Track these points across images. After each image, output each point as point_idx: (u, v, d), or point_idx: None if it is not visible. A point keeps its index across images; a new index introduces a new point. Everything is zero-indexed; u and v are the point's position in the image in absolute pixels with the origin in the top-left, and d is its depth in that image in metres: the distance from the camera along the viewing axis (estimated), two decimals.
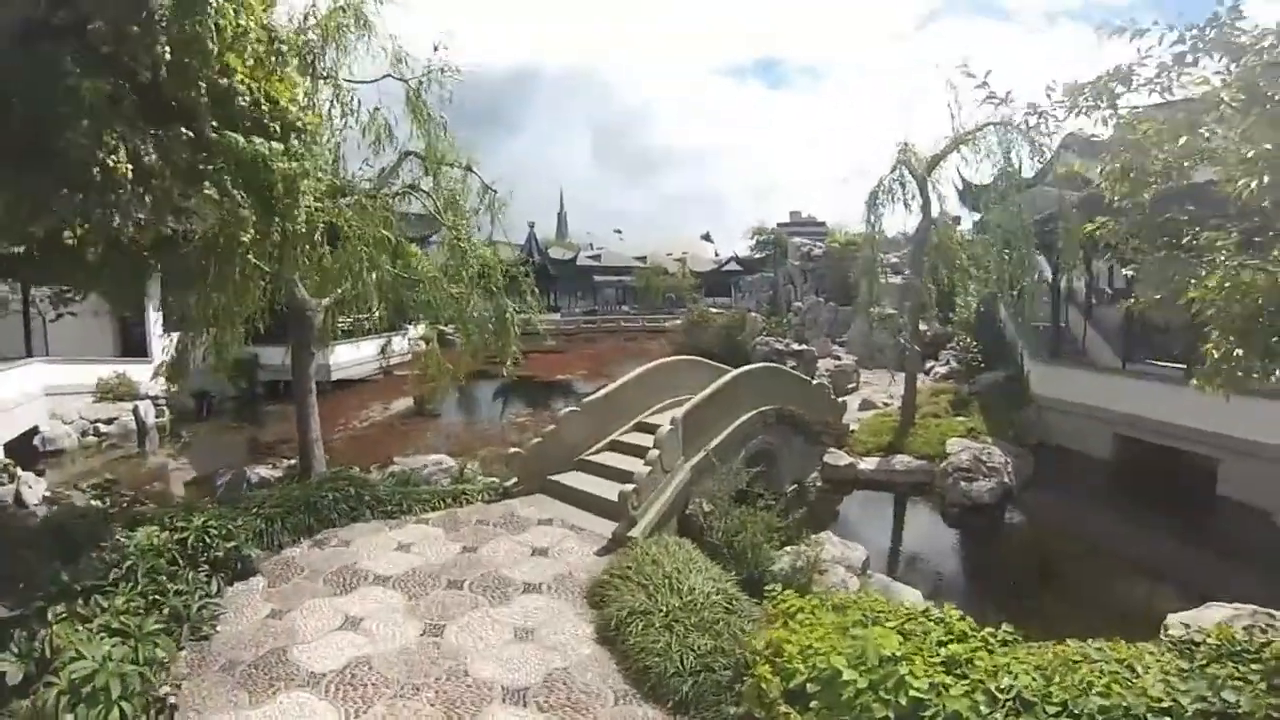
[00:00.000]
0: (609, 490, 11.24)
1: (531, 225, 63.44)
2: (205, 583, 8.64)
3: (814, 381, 19.10)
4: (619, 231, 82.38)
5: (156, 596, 7.82)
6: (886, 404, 22.39)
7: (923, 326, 31.73)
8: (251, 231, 7.76)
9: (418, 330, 24.05)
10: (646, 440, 12.77)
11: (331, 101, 12.81)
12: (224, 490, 13.81)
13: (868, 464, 17.73)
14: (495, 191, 14.17)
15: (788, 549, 10.42)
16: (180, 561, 8.65)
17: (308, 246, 10.58)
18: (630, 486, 10.41)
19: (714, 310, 39.33)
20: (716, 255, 75.19)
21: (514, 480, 12.45)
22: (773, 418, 15.10)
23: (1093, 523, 15.87)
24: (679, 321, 39.95)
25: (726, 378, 14.00)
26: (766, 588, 8.58)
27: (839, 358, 29.98)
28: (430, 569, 9.54)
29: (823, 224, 56.47)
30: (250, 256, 9.82)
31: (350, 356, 29.92)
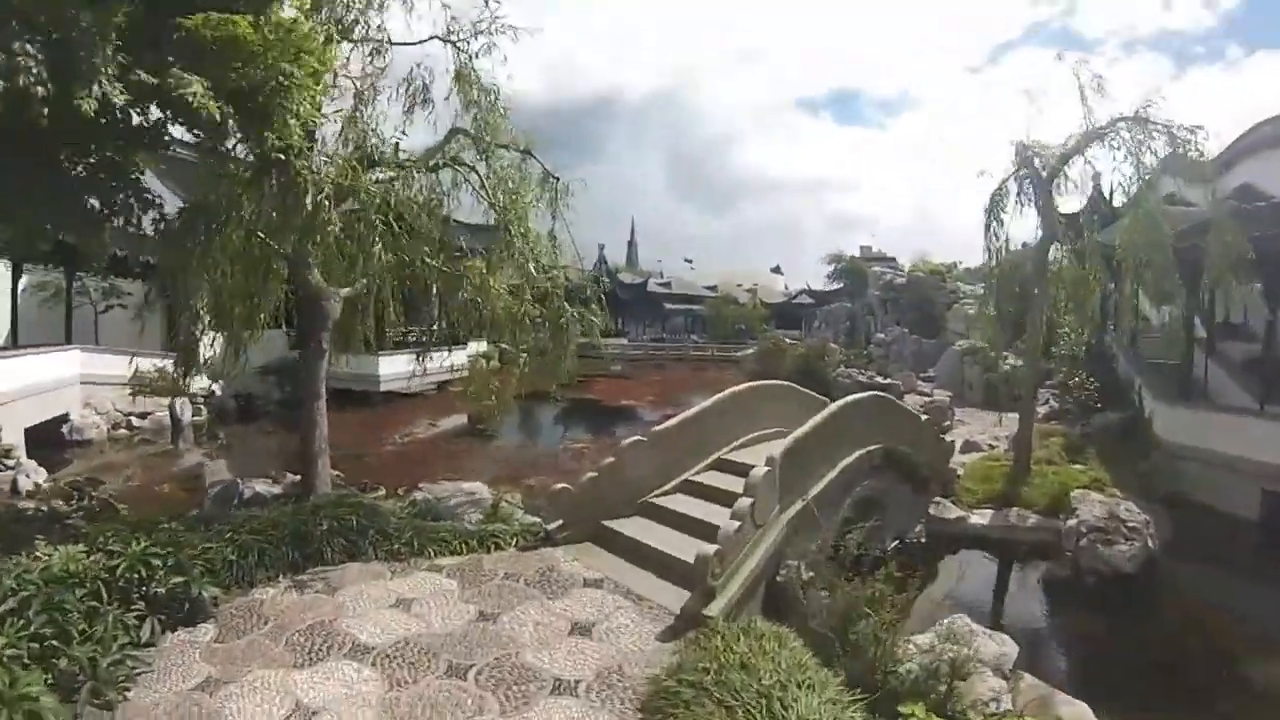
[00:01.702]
0: (679, 546, 8.45)
1: (601, 248, 61.41)
2: (133, 628, 6.39)
3: (923, 417, 15.74)
4: (689, 260, 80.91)
5: (54, 643, 5.63)
6: (992, 446, 19.00)
7: (1015, 361, 28.48)
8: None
9: (478, 346, 21.51)
10: (728, 483, 10.04)
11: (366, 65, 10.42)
12: (212, 504, 11.09)
13: (980, 517, 14.44)
14: (558, 179, 11.41)
15: (917, 639, 7.31)
16: (106, 597, 6.48)
17: (320, 220, 7.94)
18: (712, 548, 7.42)
19: (789, 340, 36.05)
20: (786, 288, 72.93)
21: (559, 523, 9.56)
22: (880, 459, 12.05)
23: (1262, 603, 12.30)
24: (750, 351, 36.74)
25: (832, 408, 11.01)
26: (902, 711, 5.93)
27: (926, 393, 26.55)
28: (429, 641, 6.75)
29: (893, 259, 53.06)
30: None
31: (402, 368, 27.37)
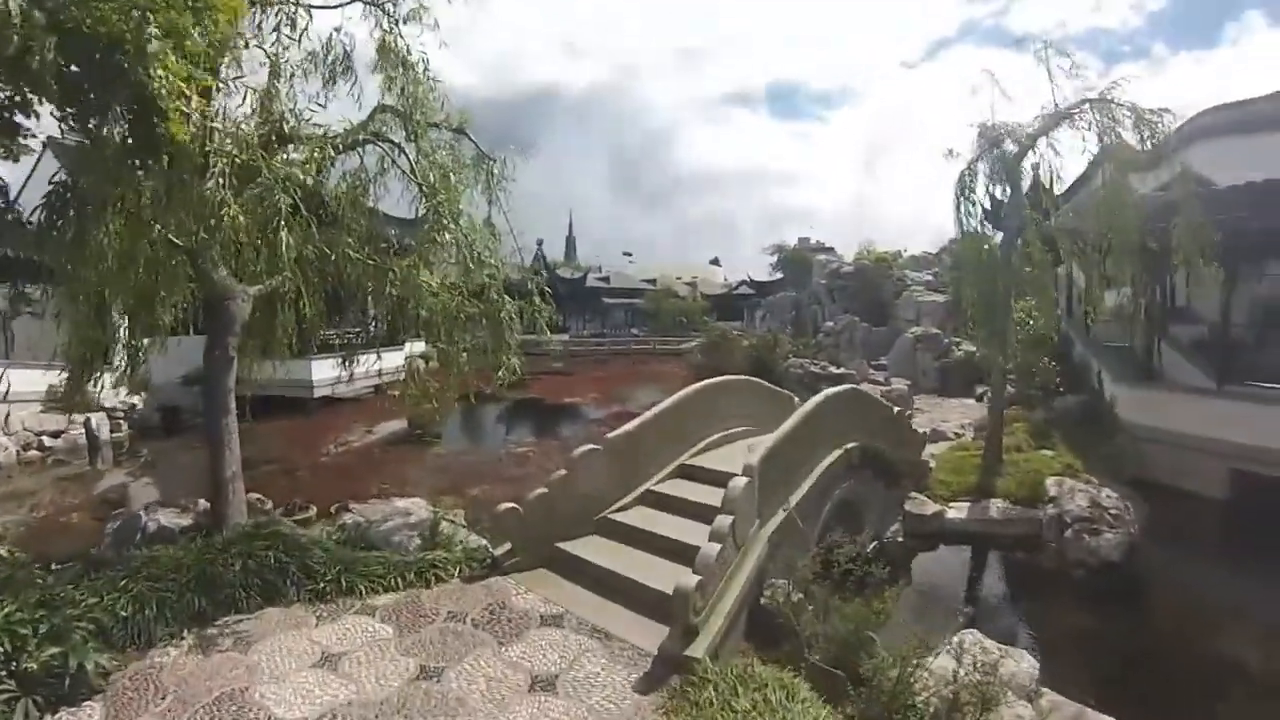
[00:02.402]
0: (648, 570, 7.41)
1: (540, 243, 60.20)
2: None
3: (895, 409, 14.79)
4: (628, 254, 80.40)
5: None
6: (959, 434, 18.16)
7: (969, 347, 27.94)
8: None
9: (416, 346, 20.05)
10: (695, 492, 9.08)
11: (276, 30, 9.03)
12: (110, 543, 9.55)
13: (957, 511, 13.49)
14: (494, 160, 10.14)
15: (933, 665, 6.32)
16: None
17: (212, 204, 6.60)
18: (692, 580, 6.27)
19: (736, 331, 35.05)
20: (726, 280, 72.54)
21: (507, 548, 8.30)
22: (857, 458, 11.02)
23: (1250, 590, 11.48)
24: (695, 343, 35.74)
25: (810, 406, 9.89)
26: None
27: (880, 381, 25.76)
28: (362, 713, 5.48)
29: (831, 249, 52.67)
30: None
31: (337, 372, 25.71)
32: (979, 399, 24.18)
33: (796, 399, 14.29)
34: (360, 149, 9.69)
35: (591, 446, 9.17)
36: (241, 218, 6.88)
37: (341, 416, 24.72)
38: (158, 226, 7.75)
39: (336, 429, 22.78)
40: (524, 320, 9.80)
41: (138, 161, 6.39)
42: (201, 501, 10.22)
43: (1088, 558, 11.91)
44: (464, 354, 9.53)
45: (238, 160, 7.05)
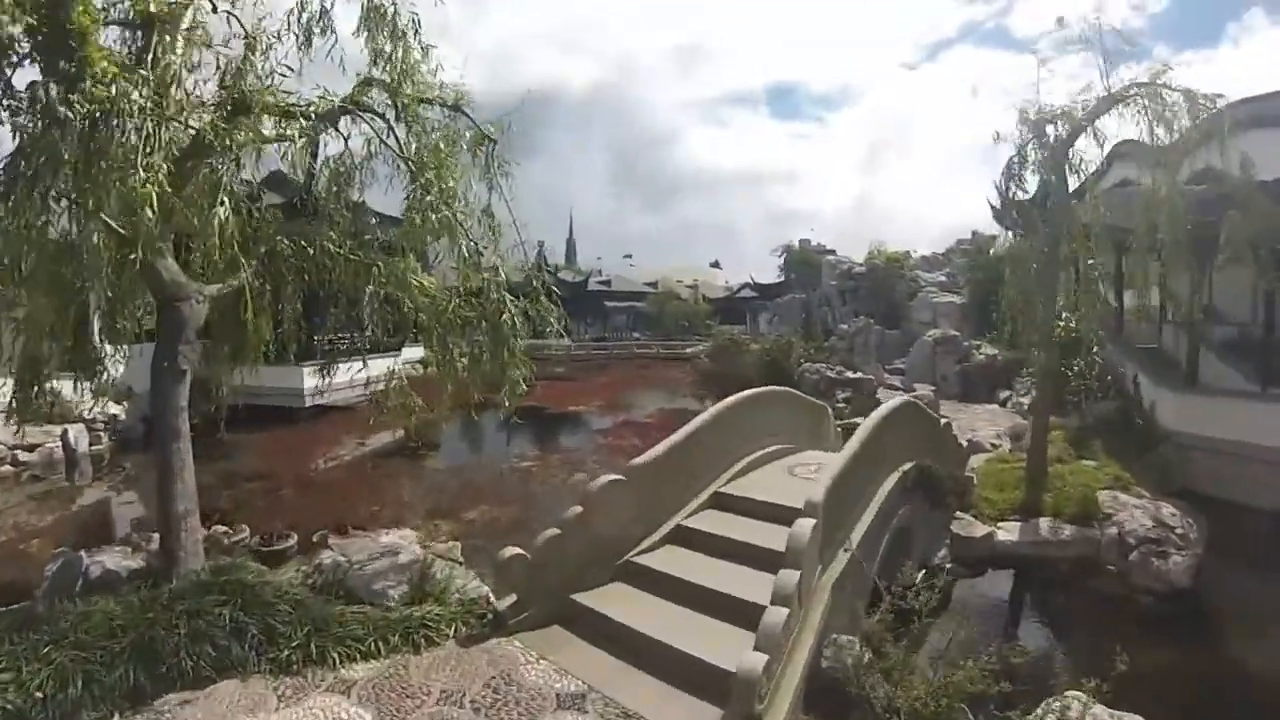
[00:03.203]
0: (686, 630, 6.07)
1: (541, 244, 57.76)
2: None
3: (942, 421, 13.37)
4: (629, 257, 79.08)
5: None
6: (995, 444, 16.71)
7: (989, 349, 26.53)
8: None
9: (415, 351, 18.71)
10: (731, 527, 7.86)
11: None
12: (46, 589, 8.01)
13: (1006, 533, 12.06)
14: (495, 142, 8.70)
15: None
16: None
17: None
18: (757, 662, 4.87)
19: (743, 334, 33.55)
20: (727, 283, 71.21)
21: (512, 600, 6.87)
22: (913, 479, 9.70)
23: None
24: (702, 347, 34.49)
25: (872, 424, 8.56)
26: None
27: (897, 386, 24.33)
28: None
29: (833, 251, 51.20)
30: None
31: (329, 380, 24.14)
32: (1003, 404, 22.99)
33: (829, 409, 12.97)
34: (343, 130, 8.31)
35: (611, 477, 7.77)
36: (170, 193, 5.46)
37: (333, 426, 23.15)
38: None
39: (327, 440, 21.26)
40: (530, 323, 8.44)
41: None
42: (156, 537, 8.74)
43: (1155, 583, 10.67)
44: (461, 362, 8.17)
45: (176, 123, 5.63)
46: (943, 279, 34.86)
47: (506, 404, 8.27)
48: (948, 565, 11.28)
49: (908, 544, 9.61)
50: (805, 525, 5.98)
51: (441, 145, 7.97)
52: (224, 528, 10.06)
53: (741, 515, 8.21)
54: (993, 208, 46.64)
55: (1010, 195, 13.80)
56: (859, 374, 23.86)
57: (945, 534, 11.55)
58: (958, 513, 12.09)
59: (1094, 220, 13.20)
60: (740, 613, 6.06)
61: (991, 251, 35.52)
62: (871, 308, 33.56)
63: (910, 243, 37.85)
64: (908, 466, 9.36)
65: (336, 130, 8.30)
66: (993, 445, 16.47)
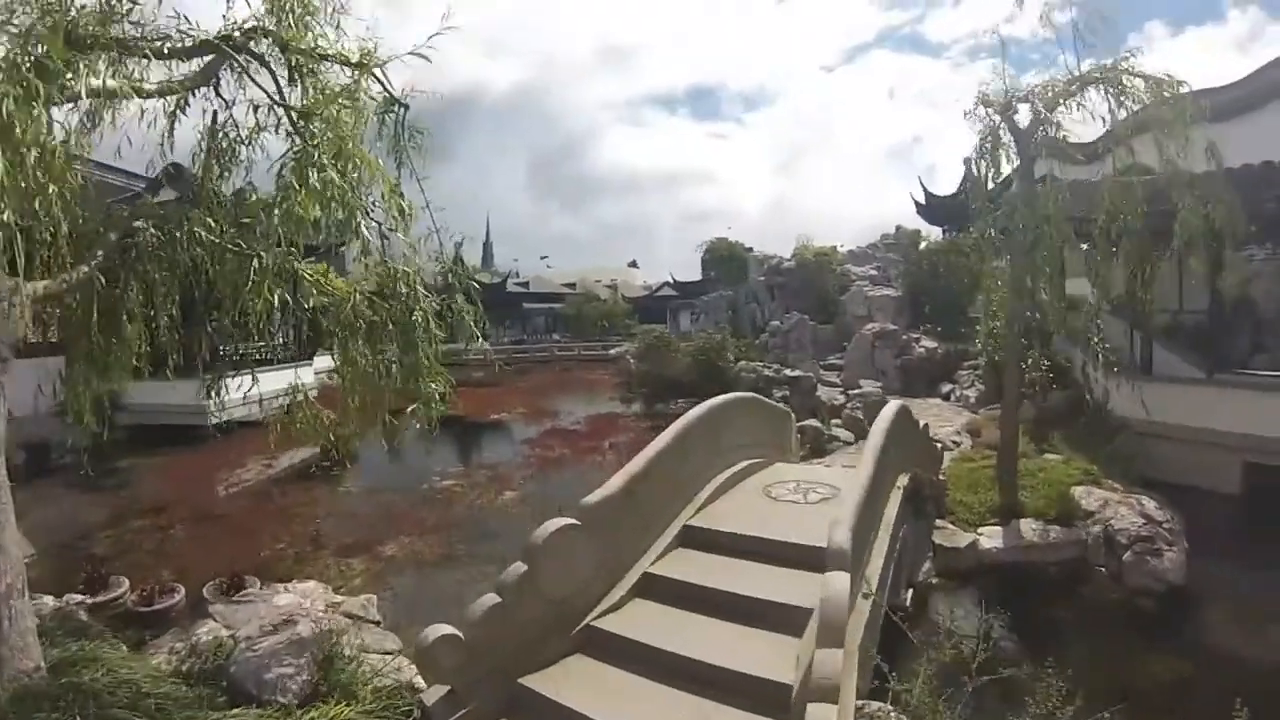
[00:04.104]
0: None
1: (458, 245, 55.67)
2: None
3: (921, 423, 12.24)
4: (546, 258, 77.39)
5: None
6: (956, 442, 15.76)
7: (929, 343, 25.82)
8: None
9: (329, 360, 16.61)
10: (709, 570, 6.64)
11: None
12: None
13: (990, 539, 11.03)
14: (406, 107, 7.14)
15: None
16: None
17: None
18: None
19: (669, 334, 32.18)
20: (645, 282, 70.35)
21: (445, 692, 5.26)
22: (909, 492, 8.38)
23: None
24: (627, 347, 33.15)
25: (879, 439, 7.34)
26: None
27: (835, 383, 23.39)
28: None
29: (750, 249, 50.48)
30: None
31: (236, 394, 21.72)
32: (946, 398, 22.33)
33: (791, 415, 11.76)
34: (226, 95, 6.65)
35: (560, 523, 6.18)
36: None
37: (239, 446, 20.68)
38: None
39: (231, 462, 18.99)
40: (446, 326, 6.92)
41: None
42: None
43: (1153, 583, 10.00)
44: (367, 372, 6.60)
45: None
46: (873, 273, 34.18)
47: (418, 424, 6.72)
48: (934, 580, 10.25)
49: (899, 563, 8.41)
50: (839, 585, 4.62)
51: (344, 114, 6.38)
52: (80, 596, 8.16)
53: (719, 554, 6.92)
54: (917, 204, 46.82)
55: (984, 181, 12.85)
56: (797, 372, 22.75)
57: (928, 545, 10.42)
58: (937, 521, 11.00)
59: (1055, 210, 12.47)
60: (739, 690, 4.85)
61: (923, 245, 35.29)
62: (802, 303, 32.58)
63: (829, 240, 36.99)
64: (904, 479, 8.13)
65: (217, 93, 6.69)
66: (954, 443, 15.53)
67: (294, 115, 5.76)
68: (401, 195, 6.93)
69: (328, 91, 6.35)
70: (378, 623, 7.52)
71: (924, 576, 10.02)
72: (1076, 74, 11.85)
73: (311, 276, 6.12)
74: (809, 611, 5.52)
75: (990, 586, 10.29)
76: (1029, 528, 11.26)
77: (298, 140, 5.67)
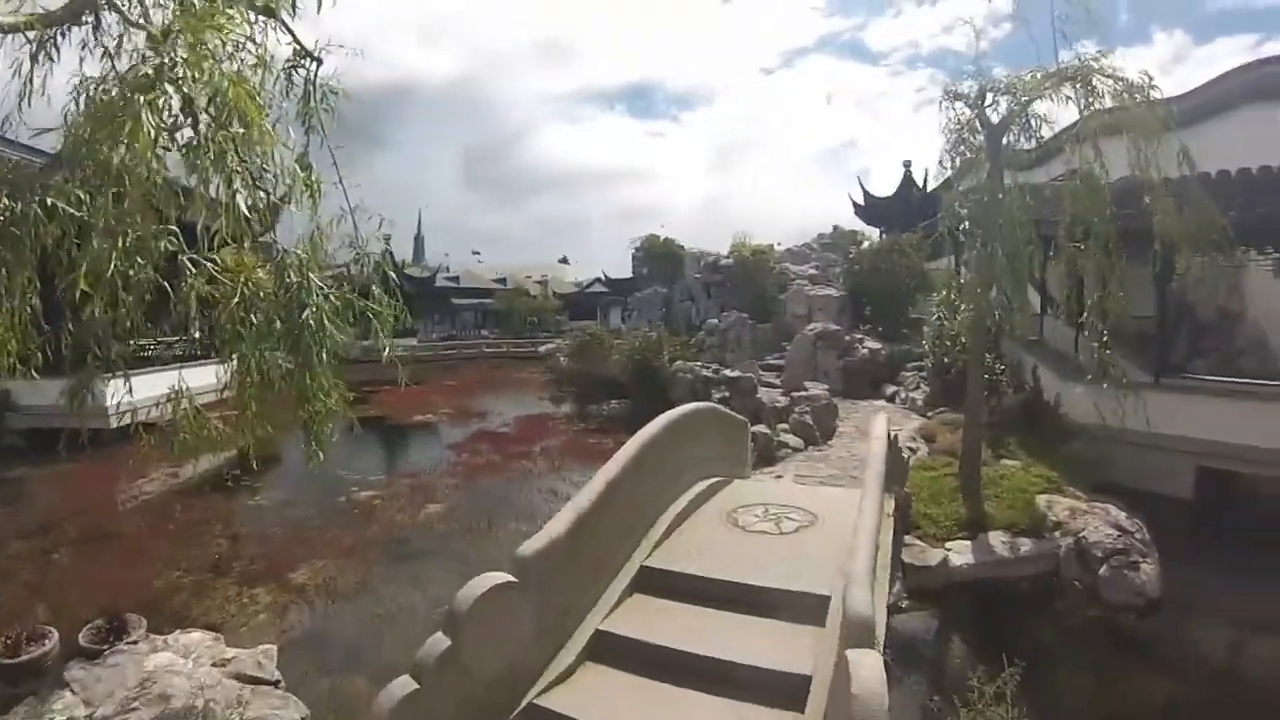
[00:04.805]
0: None
1: (388, 238, 54.09)
2: None
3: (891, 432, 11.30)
4: (478, 253, 76.18)
5: None
6: (912, 448, 14.92)
7: (874, 344, 25.14)
8: None
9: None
10: (672, 623, 5.57)
11: None
12: None
13: (960, 555, 10.10)
14: (319, 61, 5.87)
15: None
16: None
17: None
18: None
19: (601, 331, 31.02)
20: (576, 279, 69.29)
21: None
22: (891, 512, 7.33)
23: None
24: (557, 344, 31.96)
25: (879, 464, 6.17)
26: None
27: (775, 384, 22.47)
28: None
29: (682, 246, 49.74)
30: None
31: (142, 394, 19.63)
32: (890, 399, 21.71)
33: (748, 425, 10.69)
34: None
35: (492, 581, 4.84)
36: None
37: (144, 453, 18.80)
38: None
39: (133, 471, 17.07)
40: (355, 321, 5.65)
41: None
42: None
43: (1132, 598, 9.31)
44: (254, 376, 5.33)
45: None
46: (813, 272, 33.46)
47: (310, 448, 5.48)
48: (904, 602, 9.30)
49: None
50: (872, 675, 3.42)
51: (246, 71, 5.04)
52: None
53: (683, 601, 5.84)
54: (855, 205, 46.48)
55: (956, 176, 12.14)
56: (736, 372, 21.74)
57: (898, 565, 9.44)
58: (905, 537, 10.05)
59: (1019, 211, 11.81)
60: None
61: (865, 245, 34.84)
62: (739, 301, 31.65)
63: (765, 238, 36.20)
64: (891, 503, 7.11)
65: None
66: (910, 449, 14.71)
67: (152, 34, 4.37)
68: (309, 168, 5.68)
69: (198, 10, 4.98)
70: (277, 683, 6.19)
71: (893, 599, 9.02)
72: (1053, 69, 11.01)
73: (219, 264, 4.79)
74: (805, 679, 4.47)
75: (963, 607, 9.54)
76: (999, 541, 10.42)
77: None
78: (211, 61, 4.30)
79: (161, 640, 6.80)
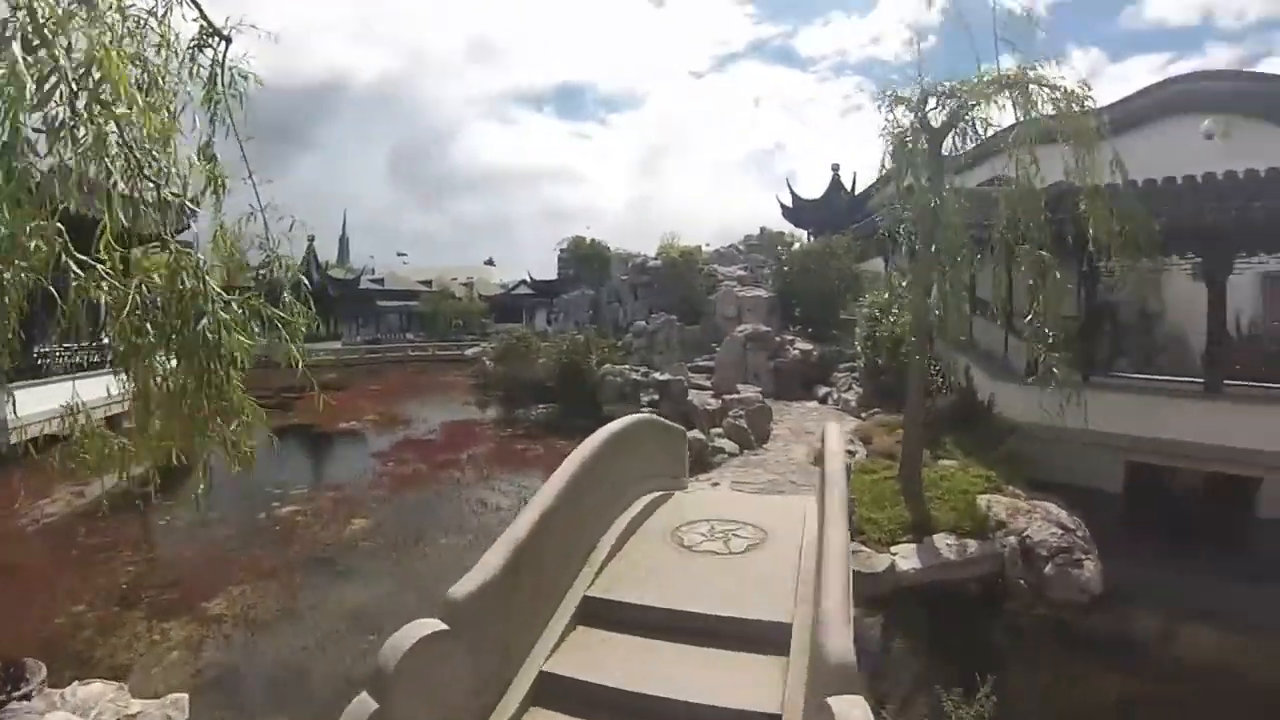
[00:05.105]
0: None
1: (311, 239, 53.73)
2: None
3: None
4: (403, 255, 74.49)
5: None
6: (851, 451, 14.62)
7: (805, 345, 24.97)
8: None
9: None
10: (629, 665, 4.96)
11: None
12: None
13: (907, 560, 9.78)
14: (229, 40, 5.16)
15: None
16: None
17: None
18: None
19: (528, 334, 30.34)
20: (501, 281, 68.55)
21: None
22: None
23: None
24: (483, 348, 31.26)
25: (841, 477, 5.66)
26: None
27: (705, 385, 22.05)
28: None
29: (609, 249, 49.41)
30: None
31: (47, 405, 17.99)
32: (823, 401, 21.56)
33: (685, 434, 10.19)
34: None
35: (420, 631, 4.05)
36: None
37: (46, 468, 17.23)
38: None
39: (34, 489, 15.55)
40: (264, 330, 4.98)
41: None
42: None
43: (1078, 595, 9.33)
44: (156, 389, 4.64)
45: None
46: (741, 273, 33.26)
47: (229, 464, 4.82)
48: (852, 610, 8.88)
49: None
50: None
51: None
52: None
53: (632, 633, 5.31)
54: (783, 206, 46.64)
55: (896, 177, 11.92)
56: (666, 375, 21.30)
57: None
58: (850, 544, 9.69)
59: (958, 216, 11.56)
60: None
61: (795, 246, 34.73)
62: (667, 303, 31.19)
63: (691, 240, 35.89)
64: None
65: None
66: (848, 452, 14.44)
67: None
68: (214, 160, 4.99)
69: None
70: None
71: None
72: (992, 76, 11.02)
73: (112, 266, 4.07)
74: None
75: (913, 613, 9.26)
76: (944, 544, 10.15)
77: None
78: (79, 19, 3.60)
79: (59, 695, 5.96)
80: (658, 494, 8.03)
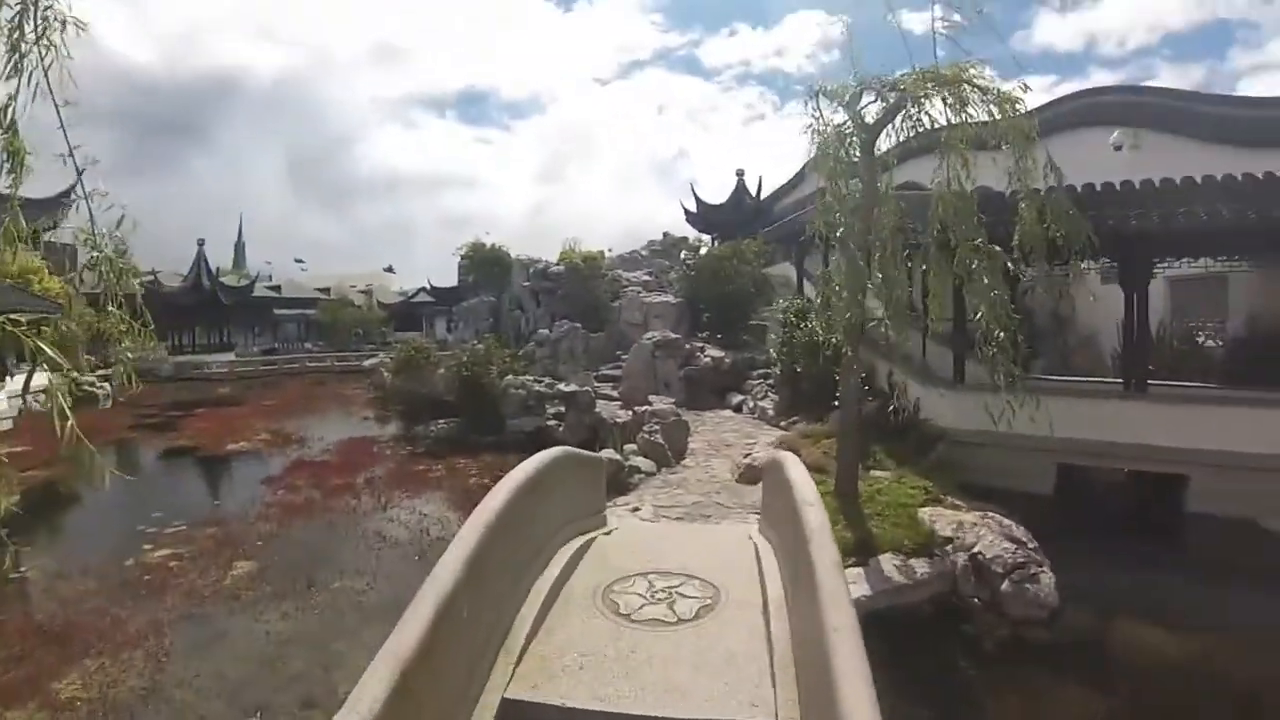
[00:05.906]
0: None
1: (201, 243, 51.51)
2: None
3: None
4: (301, 261, 70.87)
5: None
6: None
7: (716, 352, 23.94)
8: None
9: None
10: None
11: None
12: None
13: (856, 585, 8.73)
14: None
15: None
16: None
17: None
18: None
19: (425, 343, 28.62)
20: (401, 288, 66.44)
21: None
22: None
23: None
24: (380, 359, 29.93)
25: (824, 533, 4.34)
26: None
27: (613, 396, 20.97)
28: None
29: (510, 254, 47.97)
30: None
31: None
32: (738, 409, 20.71)
33: (604, 463, 8.82)
34: None
35: None
36: None
37: None
38: None
39: None
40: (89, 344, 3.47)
41: None
42: None
43: (1036, 611, 8.78)
44: None
45: None
46: (646, 278, 32.37)
47: None
48: None
49: None
50: None
51: None
52: None
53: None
54: (687, 212, 46.14)
55: (833, 171, 10.92)
56: (572, 386, 19.97)
57: None
58: None
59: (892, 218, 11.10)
60: None
61: (701, 250, 33.88)
62: (571, 310, 29.88)
63: (593, 245, 34.78)
64: None
65: None
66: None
67: None
68: (14, 132, 3.59)
69: None
70: None
71: None
72: (931, 72, 10.42)
73: None
74: None
75: (868, 642, 8.10)
76: (891, 565, 9.34)
77: None
78: None
79: None
80: (579, 541, 6.61)
